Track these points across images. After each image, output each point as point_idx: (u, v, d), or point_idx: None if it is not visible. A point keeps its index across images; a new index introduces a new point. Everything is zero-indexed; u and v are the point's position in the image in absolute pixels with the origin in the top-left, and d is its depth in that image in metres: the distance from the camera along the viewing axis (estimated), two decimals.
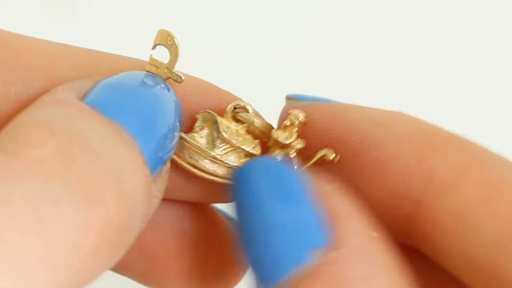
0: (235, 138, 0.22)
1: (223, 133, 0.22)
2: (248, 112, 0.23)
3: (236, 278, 0.25)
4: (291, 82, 0.47)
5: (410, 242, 0.19)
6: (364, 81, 0.48)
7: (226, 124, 0.22)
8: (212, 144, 0.22)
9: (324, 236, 0.17)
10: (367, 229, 0.17)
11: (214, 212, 0.25)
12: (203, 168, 0.22)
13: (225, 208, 0.25)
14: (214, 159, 0.22)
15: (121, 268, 0.22)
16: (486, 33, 0.51)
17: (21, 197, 0.13)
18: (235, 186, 0.20)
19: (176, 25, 0.50)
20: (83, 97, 0.17)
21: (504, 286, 0.15)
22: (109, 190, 0.14)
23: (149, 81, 0.19)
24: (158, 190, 0.18)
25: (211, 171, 0.22)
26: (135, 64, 0.22)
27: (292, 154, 0.22)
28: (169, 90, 0.19)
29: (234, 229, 0.20)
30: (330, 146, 0.21)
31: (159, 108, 0.18)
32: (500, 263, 0.16)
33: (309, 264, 0.17)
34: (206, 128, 0.22)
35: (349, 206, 0.18)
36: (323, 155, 0.21)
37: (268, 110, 0.24)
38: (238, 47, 0.50)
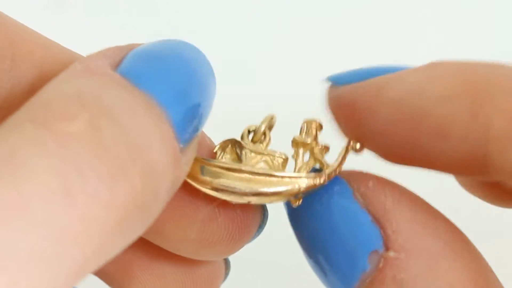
0: (260, 145, 0.21)
1: (247, 143, 0.21)
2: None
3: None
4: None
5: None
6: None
7: (247, 140, 0.21)
8: (238, 160, 0.21)
9: (377, 237, 0.17)
10: (414, 218, 0.18)
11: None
12: (233, 190, 0.19)
13: None
14: (245, 172, 0.19)
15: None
16: None
17: (48, 169, 0.13)
18: (293, 222, 0.20)
19: (177, 25, 0.50)
20: (116, 66, 0.16)
21: None
22: (135, 165, 0.14)
23: (184, 48, 0.18)
24: (186, 163, 0.17)
25: (243, 191, 0.19)
26: None
27: (320, 151, 0.21)
28: (204, 58, 0.18)
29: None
30: (380, 128, 0.19)
31: (192, 76, 0.17)
32: None
33: (371, 270, 0.17)
34: (228, 153, 0.21)
35: (390, 201, 0.18)
36: (351, 146, 0.20)
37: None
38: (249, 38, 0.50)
